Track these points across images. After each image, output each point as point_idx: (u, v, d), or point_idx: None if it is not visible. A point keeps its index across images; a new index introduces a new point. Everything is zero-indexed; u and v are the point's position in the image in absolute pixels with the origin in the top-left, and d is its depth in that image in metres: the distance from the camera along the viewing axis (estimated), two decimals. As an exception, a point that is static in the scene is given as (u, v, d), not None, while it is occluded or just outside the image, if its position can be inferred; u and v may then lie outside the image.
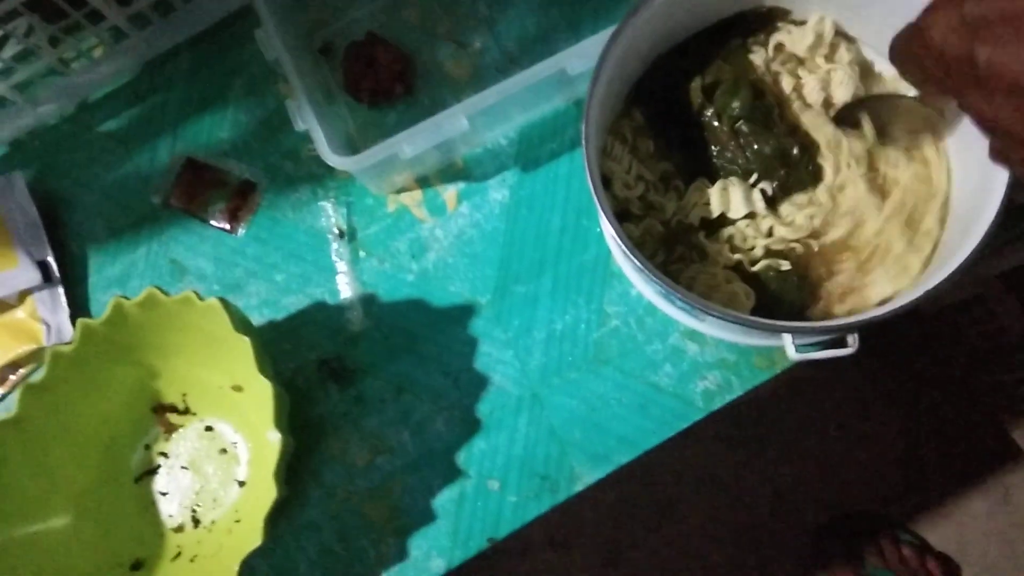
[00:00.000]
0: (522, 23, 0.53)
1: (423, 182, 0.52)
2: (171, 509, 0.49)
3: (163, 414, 0.50)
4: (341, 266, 0.52)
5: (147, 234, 0.54)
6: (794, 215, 0.43)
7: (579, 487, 0.47)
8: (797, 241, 0.43)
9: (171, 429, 0.50)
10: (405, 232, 0.52)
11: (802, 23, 0.45)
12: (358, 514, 0.48)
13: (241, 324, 0.44)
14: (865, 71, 0.45)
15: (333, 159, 0.45)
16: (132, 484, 0.49)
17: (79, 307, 0.53)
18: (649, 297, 0.47)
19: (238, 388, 0.49)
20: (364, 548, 0.47)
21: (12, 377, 0.53)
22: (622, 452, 0.47)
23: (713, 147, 0.44)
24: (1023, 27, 0.26)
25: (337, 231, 0.52)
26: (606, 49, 0.39)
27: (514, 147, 0.52)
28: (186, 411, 0.50)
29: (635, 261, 0.37)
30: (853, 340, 0.38)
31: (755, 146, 0.43)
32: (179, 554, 0.48)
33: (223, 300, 0.43)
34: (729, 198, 0.43)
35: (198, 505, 0.49)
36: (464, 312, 0.50)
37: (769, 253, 0.43)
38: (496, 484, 0.47)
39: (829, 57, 0.45)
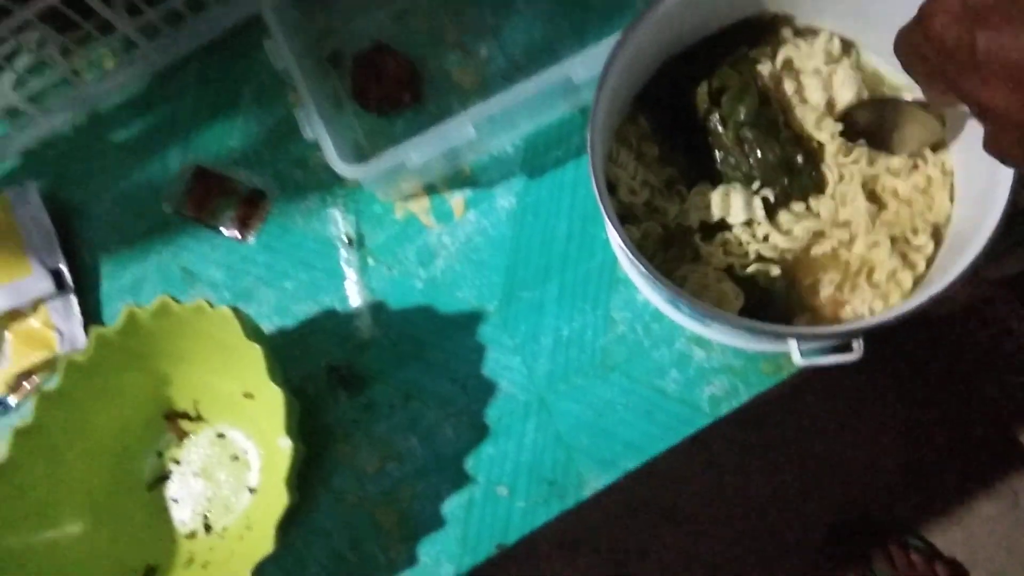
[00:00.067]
0: (528, 31, 0.54)
1: (430, 189, 0.53)
2: (183, 516, 0.50)
3: (175, 421, 0.51)
4: (350, 273, 0.52)
5: (158, 242, 0.55)
6: (792, 225, 0.43)
7: (587, 492, 0.47)
8: (789, 250, 0.43)
9: (183, 436, 0.51)
10: (413, 239, 0.52)
11: (806, 30, 0.46)
12: (368, 520, 0.48)
13: (252, 332, 0.45)
14: (868, 77, 0.45)
15: (341, 167, 0.46)
16: (145, 491, 0.50)
17: (92, 315, 0.54)
18: (655, 303, 0.47)
19: (249, 395, 0.50)
20: (374, 554, 0.48)
21: (26, 385, 0.54)
22: (629, 458, 0.47)
23: (717, 153, 0.45)
24: (1023, 12, 0.26)
25: (346, 238, 0.53)
26: (611, 57, 0.40)
27: (520, 154, 0.52)
28: (198, 418, 0.51)
29: (641, 267, 0.37)
30: (858, 345, 0.38)
31: (759, 153, 0.43)
32: (191, 560, 0.48)
33: (235, 308, 0.44)
34: (730, 204, 0.43)
35: (210, 511, 0.49)
36: (472, 319, 0.50)
37: (760, 258, 0.43)
38: (504, 490, 0.48)
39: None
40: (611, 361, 0.48)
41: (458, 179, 0.52)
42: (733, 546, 1.00)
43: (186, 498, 0.50)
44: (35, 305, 0.54)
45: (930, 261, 0.41)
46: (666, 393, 0.47)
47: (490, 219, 0.51)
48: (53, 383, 0.46)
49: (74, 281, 0.54)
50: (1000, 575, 0.95)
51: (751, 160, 0.43)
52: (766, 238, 0.43)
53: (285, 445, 0.43)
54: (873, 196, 0.43)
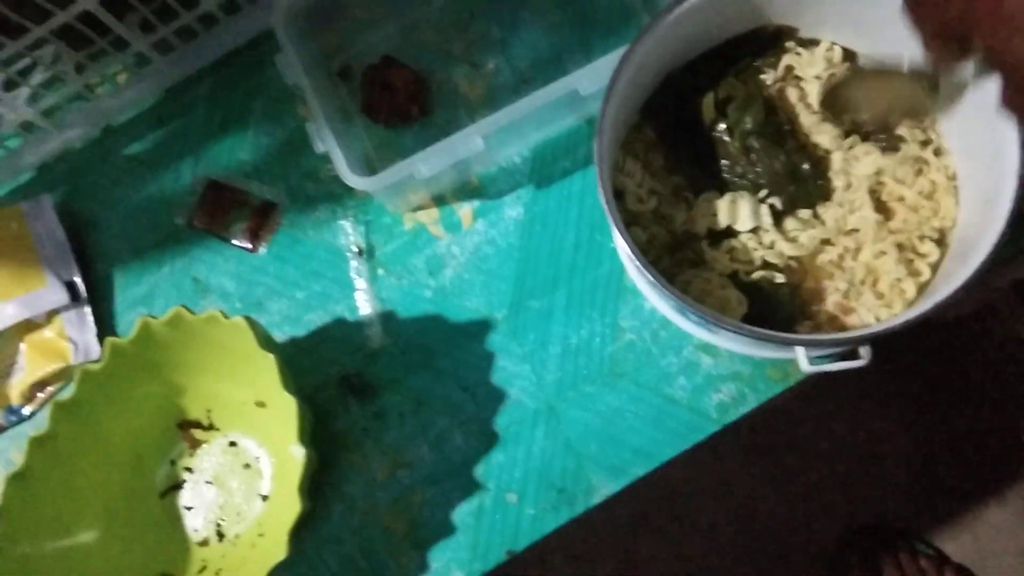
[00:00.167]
0: (535, 45, 0.54)
1: (439, 200, 0.53)
2: (196, 523, 0.50)
3: (188, 430, 0.51)
4: (360, 283, 0.53)
5: (171, 254, 0.55)
6: (798, 233, 0.44)
7: (596, 499, 0.48)
8: (796, 257, 0.44)
9: (196, 445, 0.51)
10: (422, 249, 0.53)
11: (810, 41, 0.46)
12: (379, 527, 0.49)
13: (265, 341, 0.46)
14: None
15: (352, 179, 0.46)
16: (158, 499, 0.50)
17: (105, 326, 0.55)
18: (663, 311, 0.48)
19: (261, 404, 0.50)
20: (385, 561, 0.48)
21: (40, 395, 0.54)
22: (638, 464, 0.48)
23: (724, 161, 0.45)
24: None
25: (356, 249, 0.53)
26: (617, 70, 0.40)
27: (528, 165, 0.53)
28: (210, 427, 0.51)
29: (649, 276, 0.37)
30: (865, 352, 0.38)
31: (766, 161, 0.44)
32: (204, 568, 0.48)
33: (248, 318, 0.44)
34: (737, 211, 0.44)
35: (222, 519, 0.50)
36: (480, 327, 0.51)
37: (765, 265, 0.44)
38: (514, 497, 0.48)
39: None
40: (619, 369, 0.49)
41: (466, 190, 0.53)
42: (742, 553, 1.00)
43: (199, 506, 0.50)
44: (49, 316, 0.54)
45: (935, 268, 0.42)
46: (674, 400, 0.48)
47: (498, 229, 0.52)
48: (67, 393, 0.47)
49: (88, 292, 0.55)
50: (1009, 582, 0.95)
51: (758, 168, 0.44)
52: (772, 245, 0.44)
53: (298, 453, 0.43)
54: (880, 204, 0.44)
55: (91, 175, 0.58)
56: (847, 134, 0.44)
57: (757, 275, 0.43)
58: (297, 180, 0.55)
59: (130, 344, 0.46)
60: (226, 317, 0.44)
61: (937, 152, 0.43)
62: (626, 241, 0.38)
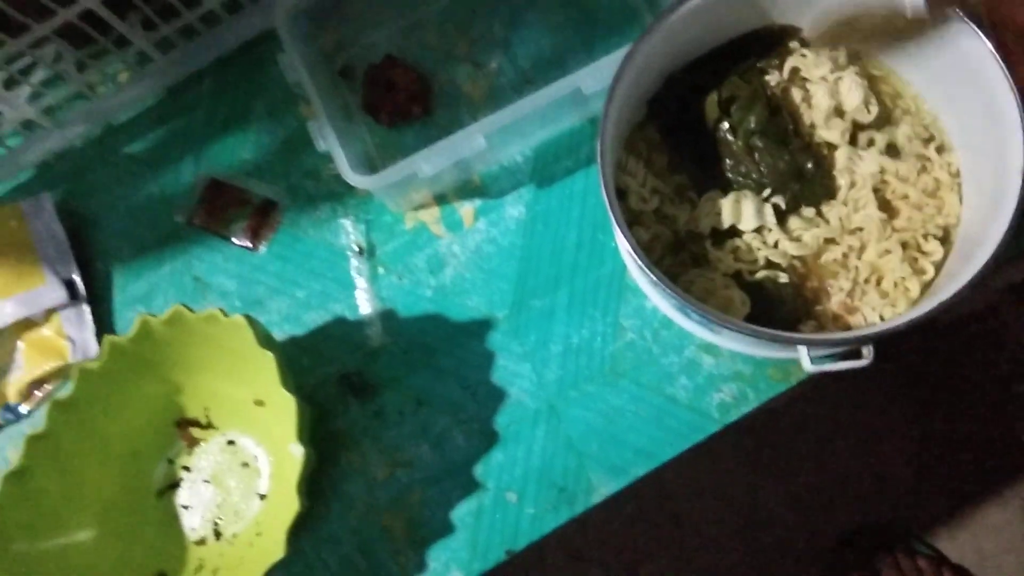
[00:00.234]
0: (537, 44, 0.54)
1: (441, 199, 0.53)
2: (193, 522, 0.50)
3: (186, 428, 0.51)
4: (360, 282, 0.53)
5: (171, 252, 0.55)
6: (802, 232, 0.44)
7: (596, 499, 0.47)
8: (798, 257, 0.44)
9: (194, 443, 0.51)
10: (423, 248, 0.53)
11: (812, 41, 0.46)
12: (378, 527, 0.48)
13: (264, 340, 0.45)
14: (878, 81, 0.46)
15: (353, 178, 0.46)
16: (155, 498, 0.50)
17: (104, 324, 0.55)
18: (664, 310, 0.48)
19: (260, 403, 0.50)
20: (384, 560, 0.48)
21: (38, 393, 0.54)
22: (639, 464, 0.47)
23: (727, 161, 0.45)
24: None
25: (356, 248, 0.53)
26: (620, 69, 0.40)
27: (530, 164, 0.53)
28: (208, 425, 0.51)
29: (651, 276, 0.37)
30: (868, 352, 0.38)
31: (769, 161, 0.44)
32: (201, 567, 0.48)
33: (248, 317, 0.44)
34: (741, 210, 0.44)
35: (220, 518, 0.50)
36: (481, 326, 0.51)
37: (769, 264, 0.44)
38: (514, 496, 0.48)
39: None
40: (620, 368, 0.49)
41: (468, 189, 0.53)
42: (741, 552, 1.00)
43: (196, 505, 0.50)
44: (48, 314, 0.54)
45: (939, 266, 0.42)
46: (676, 400, 0.48)
47: (500, 228, 0.52)
48: (65, 391, 0.46)
49: (87, 291, 0.55)
50: (1008, 583, 0.95)
51: (762, 168, 0.44)
52: (776, 244, 0.44)
53: (297, 452, 0.43)
54: (884, 203, 0.44)
55: (91, 174, 0.58)
56: (852, 137, 0.45)
57: (761, 275, 0.43)
58: (298, 179, 0.55)
59: (129, 342, 0.46)
60: (226, 315, 0.44)
61: (940, 149, 0.44)
62: (628, 240, 0.38)
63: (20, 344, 0.54)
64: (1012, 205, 0.35)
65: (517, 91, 0.54)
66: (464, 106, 0.55)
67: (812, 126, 0.45)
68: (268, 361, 0.43)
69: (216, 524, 0.49)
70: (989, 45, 0.37)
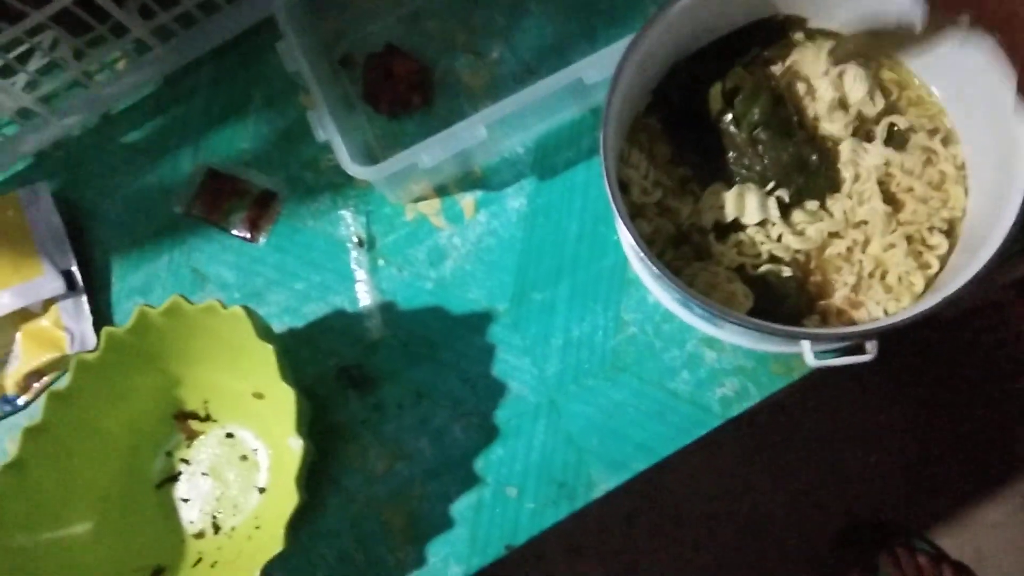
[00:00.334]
0: (539, 33, 0.54)
1: (441, 191, 0.53)
2: (192, 515, 0.50)
3: (184, 421, 0.51)
4: (360, 274, 0.52)
5: (169, 243, 0.55)
6: (806, 226, 0.43)
7: (596, 494, 0.47)
8: (802, 251, 0.43)
9: (192, 436, 0.51)
10: (423, 240, 0.52)
11: (818, 31, 0.46)
12: (377, 521, 0.48)
13: (263, 332, 0.45)
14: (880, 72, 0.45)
15: (353, 169, 0.46)
16: (153, 490, 0.50)
17: (102, 315, 0.54)
18: (666, 304, 0.47)
19: (259, 395, 0.50)
20: (383, 555, 0.48)
21: (36, 384, 0.54)
22: (639, 459, 0.47)
23: (731, 153, 0.45)
24: None
25: (356, 240, 0.53)
26: (623, 59, 0.40)
27: (531, 156, 0.52)
28: (207, 418, 0.51)
29: (654, 269, 0.37)
30: (872, 347, 0.38)
31: (773, 153, 0.43)
32: (200, 560, 0.48)
33: (247, 308, 0.44)
34: (744, 204, 0.43)
35: (219, 511, 0.49)
36: (482, 319, 0.50)
37: (772, 259, 0.43)
38: (514, 491, 0.48)
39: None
40: (621, 362, 0.48)
41: (469, 180, 0.53)
42: (740, 548, 1.00)
43: (195, 498, 0.50)
44: (46, 305, 0.54)
45: (944, 261, 0.41)
46: (677, 394, 0.47)
47: (501, 220, 0.52)
48: (63, 382, 0.46)
49: (85, 281, 0.54)
50: (1008, 579, 0.95)
51: (765, 160, 0.44)
52: (780, 238, 0.43)
53: (296, 445, 0.43)
54: (889, 196, 0.43)
55: (89, 163, 0.58)
56: (855, 129, 0.44)
57: (764, 268, 0.43)
58: (297, 169, 0.55)
59: (127, 334, 0.46)
60: (224, 307, 0.44)
61: (946, 141, 0.43)
62: (631, 233, 0.37)
63: (18, 335, 0.54)
64: (1018, 199, 0.35)
65: (518, 81, 0.53)
66: (465, 96, 0.54)
67: (816, 118, 0.45)
68: (267, 353, 0.43)
69: (215, 517, 0.49)
70: (995, 40, 0.36)
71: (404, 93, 0.53)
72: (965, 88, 0.41)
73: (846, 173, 0.43)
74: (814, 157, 0.43)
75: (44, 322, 0.54)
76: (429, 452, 0.49)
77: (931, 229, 0.42)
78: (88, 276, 0.55)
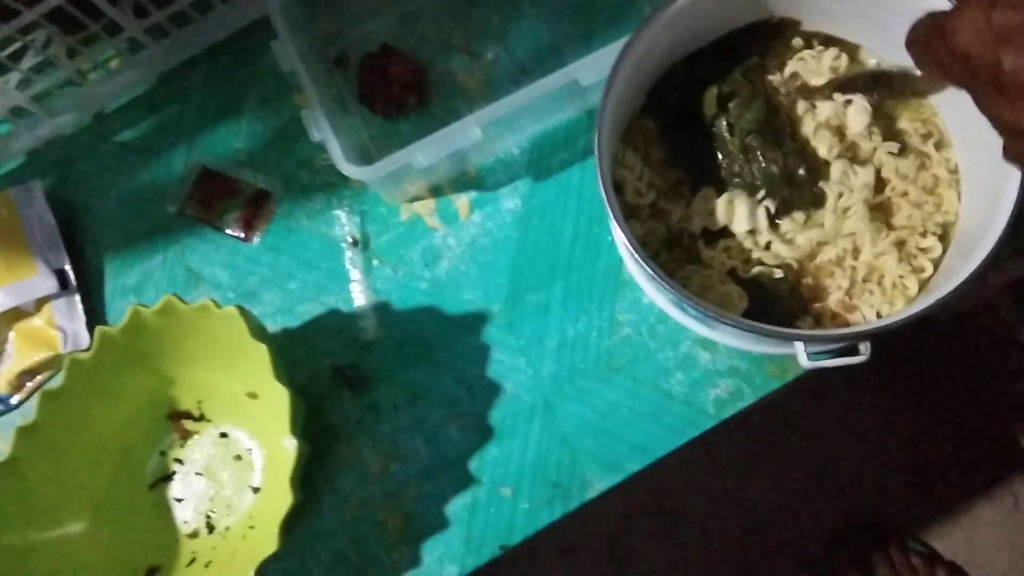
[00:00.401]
0: (534, 34, 0.54)
1: (436, 191, 0.53)
2: (186, 515, 0.49)
3: (178, 421, 0.51)
4: (355, 274, 0.52)
5: (163, 242, 0.55)
6: (795, 235, 0.43)
7: (591, 494, 0.47)
8: (793, 258, 0.43)
9: (186, 436, 0.51)
10: (418, 240, 0.52)
11: (812, 34, 0.46)
12: (372, 521, 0.48)
13: (257, 331, 0.45)
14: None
15: (348, 169, 0.46)
16: (147, 490, 0.50)
17: (95, 315, 0.54)
18: (661, 305, 0.47)
19: (253, 395, 0.50)
20: (377, 555, 0.48)
21: (29, 384, 0.53)
22: (634, 460, 0.47)
23: (722, 158, 0.45)
24: None
25: (351, 240, 0.53)
26: (618, 60, 0.40)
27: (526, 156, 0.52)
28: (201, 418, 0.51)
29: (649, 270, 0.37)
30: (865, 348, 0.38)
31: (762, 162, 0.43)
32: (193, 560, 0.48)
33: (240, 308, 0.44)
34: (734, 212, 0.43)
35: (213, 511, 0.49)
36: (477, 320, 0.50)
37: (762, 263, 0.43)
38: (508, 491, 0.48)
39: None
40: (616, 363, 0.48)
41: (464, 181, 0.53)
42: (734, 549, 1.00)
43: (189, 497, 0.50)
44: (39, 304, 0.54)
45: (937, 264, 0.42)
46: (671, 395, 0.48)
47: (495, 221, 0.52)
48: (56, 382, 0.46)
49: (78, 281, 0.54)
50: (1001, 579, 0.95)
51: (754, 168, 0.44)
52: (768, 246, 0.43)
53: (290, 445, 0.43)
54: (885, 202, 0.43)
55: (82, 162, 0.57)
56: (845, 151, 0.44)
57: (756, 270, 0.43)
58: (292, 169, 0.55)
59: (120, 333, 0.46)
60: (218, 306, 0.44)
61: (939, 145, 0.43)
62: (626, 235, 0.38)
63: (11, 334, 0.54)
64: (1011, 201, 0.35)
65: (514, 82, 0.53)
66: (460, 97, 0.54)
67: (809, 136, 0.45)
68: (261, 353, 0.43)
69: (209, 517, 0.49)
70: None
71: (399, 93, 0.53)
72: (959, 93, 0.41)
73: (830, 191, 0.43)
74: (801, 171, 0.43)
75: (37, 321, 0.53)
76: (424, 452, 0.49)
77: (924, 233, 0.42)
78: (81, 275, 0.54)
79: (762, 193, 0.43)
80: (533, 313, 0.50)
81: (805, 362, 0.38)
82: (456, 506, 0.48)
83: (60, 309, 0.53)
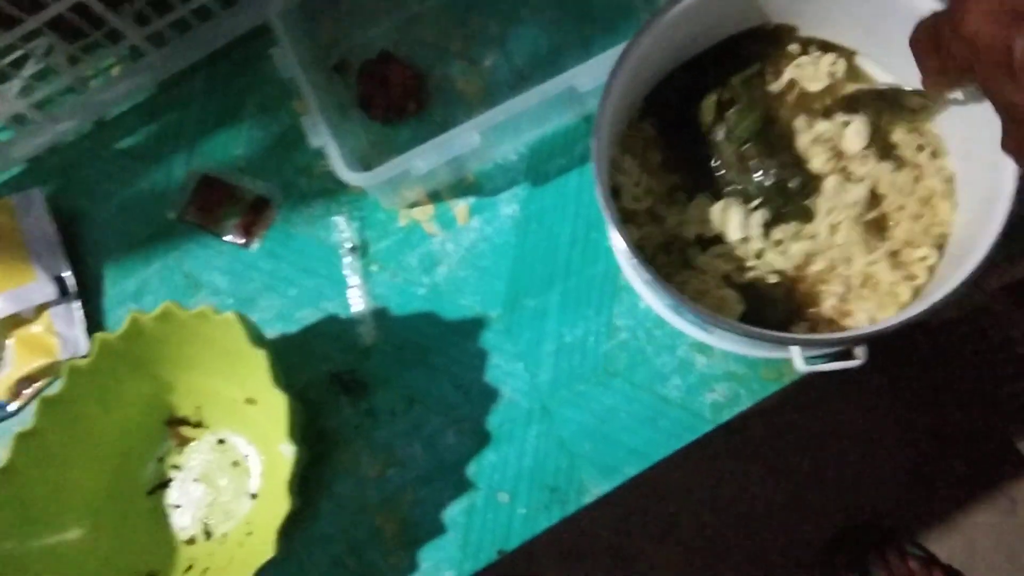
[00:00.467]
0: (533, 41, 0.54)
1: (434, 197, 0.53)
2: (183, 522, 0.49)
3: (176, 427, 0.51)
4: (353, 280, 0.52)
5: (162, 249, 0.55)
6: (788, 244, 0.43)
7: (588, 499, 0.47)
8: (786, 267, 0.44)
9: (184, 442, 0.51)
10: (416, 246, 0.52)
11: (809, 40, 0.46)
12: (369, 526, 0.48)
13: (256, 338, 0.45)
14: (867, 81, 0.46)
15: (347, 175, 0.46)
16: (145, 497, 0.50)
17: (95, 321, 0.54)
18: (658, 310, 0.47)
19: (251, 401, 0.50)
20: (375, 560, 0.48)
21: (27, 391, 0.54)
22: (631, 464, 0.47)
23: (718, 165, 0.45)
24: None
25: (350, 245, 0.53)
26: (616, 67, 0.40)
27: (524, 162, 0.53)
28: (199, 424, 0.51)
29: (646, 275, 0.37)
30: (862, 352, 0.38)
31: (757, 171, 0.44)
32: (191, 567, 0.48)
33: (239, 314, 0.44)
34: (727, 220, 0.43)
35: (210, 517, 0.49)
36: (475, 325, 0.50)
37: (757, 269, 0.44)
38: (506, 496, 0.48)
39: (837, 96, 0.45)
40: (613, 368, 0.49)
41: (462, 186, 0.53)
42: (731, 553, 1.00)
43: (187, 504, 0.50)
44: (38, 311, 0.54)
45: (932, 270, 0.42)
46: (668, 400, 0.48)
47: (494, 226, 0.52)
48: (55, 388, 0.46)
49: (78, 287, 0.54)
50: (999, 583, 0.95)
51: (750, 177, 0.44)
52: (761, 255, 0.44)
53: (287, 451, 0.43)
54: (881, 217, 0.43)
55: (83, 169, 0.58)
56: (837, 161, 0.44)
57: (751, 275, 0.43)
58: (291, 175, 0.55)
59: (119, 340, 0.46)
60: (217, 313, 0.44)
61: (934, 155, 0.43)
62: (623, 239, 0.38)
63: (10, 341, 0.54)
64: (1005, 209, 0.35)
65: (512, 88, 0.54)
66: (459, 103, 0.54)
67: (805, 149, 0.45)
68: (260, 359, 0.43)
69: (206, 523, 0.49)
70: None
71: (398, 99, 0.53)
72: (952, 100, 0.42)
73: (823, 206, 0.43)
74: (792, 184, 0.44)
75: (36, 328, 0.53)
76: (422, 458, 0.49)
77: (919, 244, 0.42)
78: (81, 282, 0.55)
79: (756, 202, 0.44)
80: (531, 318, 0.50)
81: (801, 367, 0.39)
82: (454, 511, 0.48)
83: (59, 316, 0.54)
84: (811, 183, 0.44)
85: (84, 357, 0.46)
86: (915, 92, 0.43)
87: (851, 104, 0.45)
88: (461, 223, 0.52)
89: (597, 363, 0.49)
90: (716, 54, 0.46)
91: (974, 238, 0.37)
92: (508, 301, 0.50)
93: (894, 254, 0.42)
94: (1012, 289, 0.91)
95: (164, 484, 0.50)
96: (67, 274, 0.54)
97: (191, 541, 0.49)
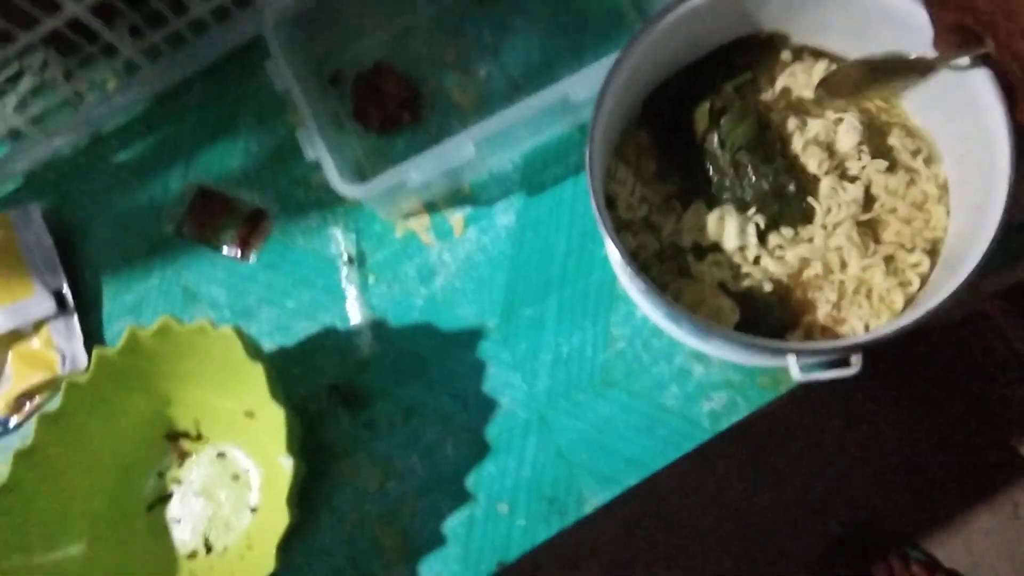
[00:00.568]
0: (526, 51, 0.54)
1: (430, 207, 0.53)
2: (184, 536, 0.49)
3: (176, 441, 0.51)
4: (350, 291, 0.52)
5: (160, 263, 0.55)
6: (784, 251, 0.43)
7: (588, 509, 0.47)
8: (782, 273, 0.44)
9: (184, 456, 0.51)
10: (413, 257, 0.52)
11: (802, 48, 0.46)
12: (369, 539, 0.48)
13: (254, 351, 0.45)
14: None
15: (343, 187, 0.46)
16: (145, 511, 0.50)
17: (94, 336, 0.54)
18: (654, 319, 0.47)
19: (250, 414, 0.50)
20: (376, 572, 0.48)
21: (27, 406, 0.54)
22: (630, 474, 0.47)
23: (713, 173, 0.45)
24: None
25: (346, 257, 0.53)
26: (609, 76, 0.40)
27: (519, 172, 0.53)
28: (199, 438, 0.51)
29: (641, 284, 0.37)
30: (856, 360, 0.38)
31: (753, 178, 0.44)
32: (192, 580, 0.48)
33: (236, 328, 0.44)
34: (724, 228, 0.43)
35: (210, 531, 0.49)
36: (472, 336, 0.50)
37: (753, 276, 0.44)
38: (505, 507, 0.48)
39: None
40: (611, 377, 0.49)
41: (458, 197, 0.53)
42: (732, 560, 1.00)
43: (187, 518, 0.50)
44: (37, 326, 0.54)
45: (925, 277, 0.42)
46: (666, 408, 0.48)
47: (490, 236, 0.52)
48: (54, 404, 0.46)
49: (76, 301, 0.54)
50: (1002, 586, 0.95)
51: (745, 184, 0.44)
52: (757, 261, 0.44)
53: (286, 464, 0.43)
54: (874, 218, 0.43)
55: (79, 183, 0.58)
56: (834, 167, 0.44)
57: (746, 283, 0.43)
58: (287, 187, 0.55)
59: (118, 354, 0.46)
60: (214, 327, 0.44)
61: (928, 160, 0.43)
62: (618, 249, 0.38)
63: (9, 356, 0.54)
64: (998, 215, 0.35)
65: (506, 98, 0.54)
66: (454, 114, 0.54)
67: (799, 152, 0.45)
68: (258, 372, 0.43)
69: (206, 537, 0.49)
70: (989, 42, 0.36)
71: (393, 111, 0.53)
72: (947, 106, 0.42)
73: (819, 207, 0.43)
74: (790, 187, 0.44)
75: (35, 343, 0.54)
76: (420, 469, 0.49)
77: (912, 249, 0.42)
78: (79, 296, 0.55)
79: (752, 209, 0.44)
80: (528, 328, 0.50)
81: (797, 375, 0.39)
82: (453, 523, 0.48)
83: (58, 331, 0.54)
84: (807, 186, 0.44)
85: (83, 372, 0.46)
86: (903, 58, 0.42)
87: (844, 84, 0.44)
88: (457, 234, 0.52)
89: (594, 373, 0.49)
90: (710, 62, 0.46)
91: (968, 245, 0.37)
92: (505, 311, 0.51)
93: (888, 259, 0.42)
94: (1009, 293, 0.91)
95: (164, 498, 0.50)
96: (65, 289, 0.54)
97: (192, 555, 0.49)
